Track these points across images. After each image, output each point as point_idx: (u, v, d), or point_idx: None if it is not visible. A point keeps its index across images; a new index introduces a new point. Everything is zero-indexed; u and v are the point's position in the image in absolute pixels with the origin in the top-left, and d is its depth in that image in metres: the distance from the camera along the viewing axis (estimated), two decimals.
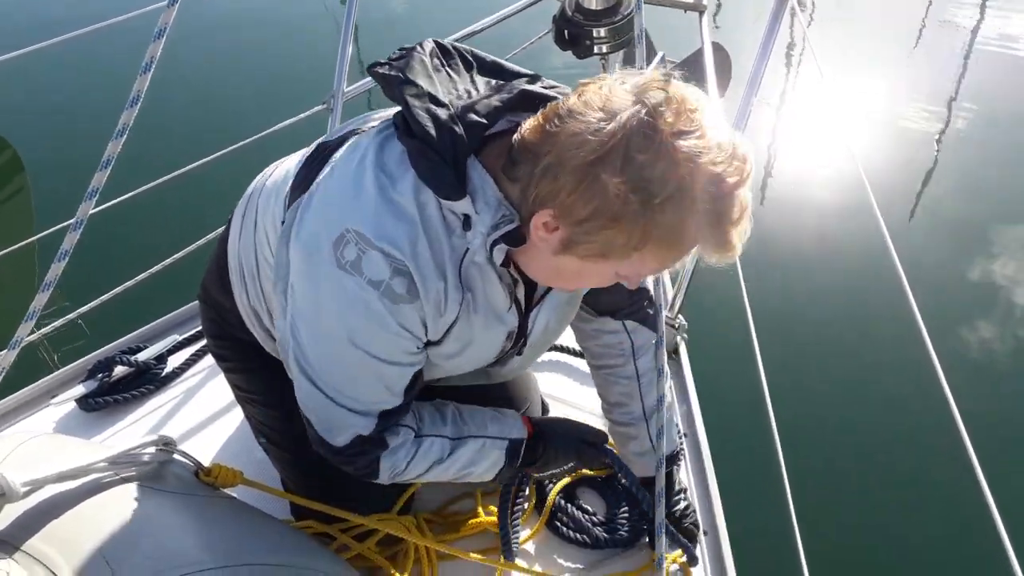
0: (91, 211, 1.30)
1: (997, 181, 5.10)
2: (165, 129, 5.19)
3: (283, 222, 1.19)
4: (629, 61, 3.41)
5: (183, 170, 2.47)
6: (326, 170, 1.13)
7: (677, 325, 2.10)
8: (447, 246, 1.07)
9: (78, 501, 1.04)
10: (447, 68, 1.12)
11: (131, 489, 1.10)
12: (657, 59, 3.41)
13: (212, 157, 2.51)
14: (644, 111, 0.93)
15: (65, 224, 2.27)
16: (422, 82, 1.06)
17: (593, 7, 2.58)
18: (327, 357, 1.15)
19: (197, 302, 2.17)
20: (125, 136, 1.26)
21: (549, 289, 1.27)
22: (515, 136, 1.03)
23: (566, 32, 2.64)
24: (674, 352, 2.09)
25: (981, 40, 7.09)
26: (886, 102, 6.01)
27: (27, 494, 0.99)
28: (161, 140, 4.84)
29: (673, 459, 1.61)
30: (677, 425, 1.85)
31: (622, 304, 1.50)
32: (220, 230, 1.77)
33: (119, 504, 1.06)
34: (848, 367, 3.72)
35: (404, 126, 1.06)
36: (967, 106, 5.99)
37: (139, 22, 2.32)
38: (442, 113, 1.03)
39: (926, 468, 3.18)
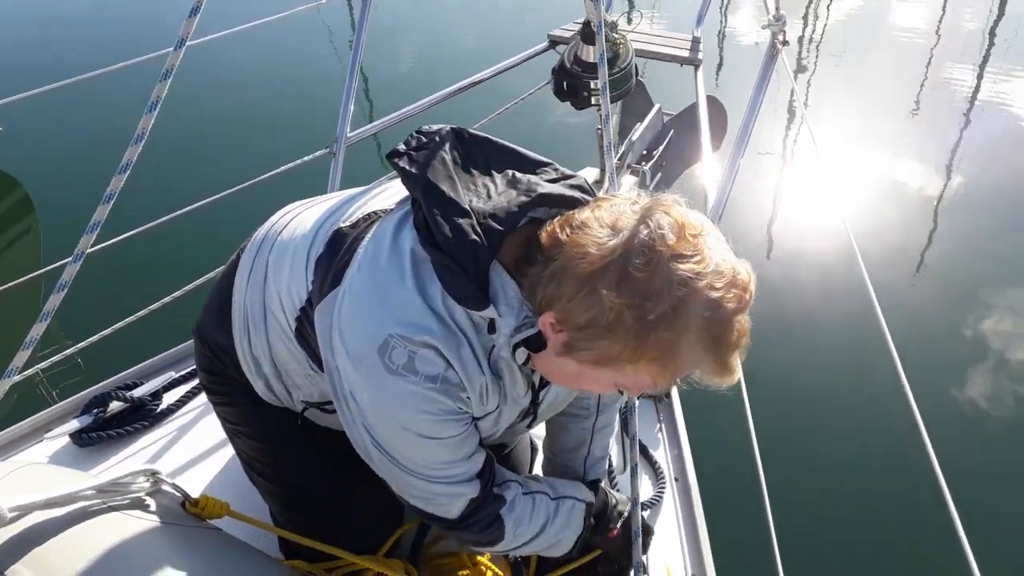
0: (90, 246, 1.33)
1: (996, 242, 5.12)
2: (168, 169, 5.29)
3: (304, 304, 1.23)
4: (627, 112, 3.50)
5: (184, 210, 2.53)
6: (353, 267, 1.14)
7: None
8: (478, 344, 1.12)
9: (64, 528, 1.05)
10: (466, 162, 1.15)
11: (117, 518, 1.11)
12: (653, 111, 3.50)
13: (214, 198, 2.57)
14: (646, 231, 0.98)
15: (67, 260, 2.32)
16: (444, 186, 1.09)
17: (591, 60, 2.65)
18: (412, 452, 1.17)
19: (192, 340, 2.22)
20: (128, 172, 1.30)
21: None
22: (537, 235, 1.07)
23: (564, 84, 2.72)
24: (666, 395, 2.10)
25: (981, 100, 7.17)
26: (885, 162, 6.06)
27: (14, 519, 1.00)
28: (164, 179, 4.94)
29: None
30: (662, 471, 1.91)
31: None
32: (220, 270, 1.80)
33: (105, 532, 1.07)
34: (838, 415, 3.73)
35: (426, 232, 1.08)
36: (966, 167, 6.05)
37: (151, 65, 2.41)
38: (464, 224, 1.06)
39: (905, 505, 3.21)
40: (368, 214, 1.23)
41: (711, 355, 0.99)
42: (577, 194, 1.14)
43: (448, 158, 1.13)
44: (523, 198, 1.11)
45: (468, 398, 1.14)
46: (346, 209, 1.28)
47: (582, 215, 1.04)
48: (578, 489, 1.46)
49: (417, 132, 1.18)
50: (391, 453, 1.17)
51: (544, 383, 1.29)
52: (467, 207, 1.08)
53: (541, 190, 1.12)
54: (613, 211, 1.03)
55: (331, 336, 1.14)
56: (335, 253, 1.19)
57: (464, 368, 1.10)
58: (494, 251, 1.07)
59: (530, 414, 1.32)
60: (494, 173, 1.16)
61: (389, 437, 1.16)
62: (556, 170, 1.19)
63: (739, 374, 1.02)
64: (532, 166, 1.19)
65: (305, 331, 1.26)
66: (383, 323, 1.07)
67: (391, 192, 1.27)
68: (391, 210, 1.20)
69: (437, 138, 1.15)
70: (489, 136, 1.19)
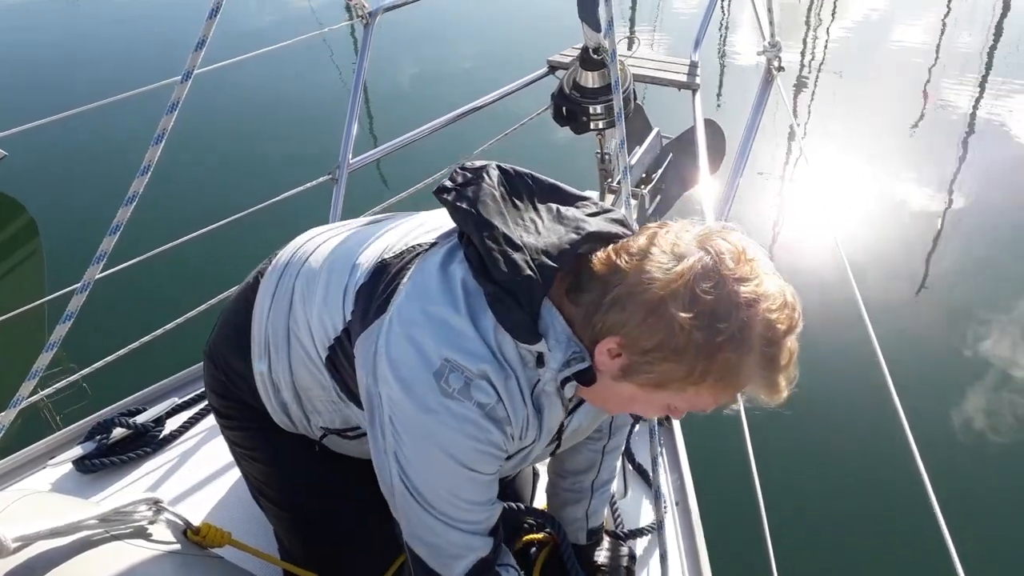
0: (97, 275, 1.35)
1: (996, 262, 5.10)
2: (171, 196, 5.33)
3: (339, 335, 1.22)
4: (628, 137, 3.52)
5: (187, 237, 2.55)
6: (400, 296, 1.15)
7: None
8: (523, 378, 1.13)
9: (67, 558, 1.06)
10: (512, 198, 1.18)
11: (120, 547, 1.11)
12: (652, 135, 3.53)
13: (216, 225, 2.59)
14: (708, 257, 1.02)
15: (72, 287, 2.34)
16: (496, 221, 1.11)
17: (590, 85, 2.67)
18: (439, 484, 1.15)
19: (196, 366, 2.23)
20: (134, 204, 1.33)
21: None
22: (588, 263, 1.10)
23: (564, 109, 2.73)
24: (666, 419, 2.10)
25: (980, 120, 7.18)
26: (885, 182, 6.07)
27: (17, 550, 1.01)
28: (166, 207, 4.97)
29: (596, 532, 1.69)
30: (664, 496, 1.88)
31: None
32: (225, 295, 1.83)
33: (107, 562, 1.08)
34: (837, 439, 3.72)
35: (480, 266, 1.10)
36: (966, 187, 6.03)
37: (157, 93, 2.44)
38: (519, 259, 1.08)
39: (901, 527, 3.20)
40: (412, 246, 1.23)
41: (765, 374, 1.03)
42: (619, 229, 1.17)
43: (496, 193, 1.15)
44: (573, 235, 1.13)
45: (511, 434, 1.14)
46: (386, 240, 1.28)
47: (638, 242, 1.08)
48: None
49: (461, 168, 1.19)
50: (418, 488, 1.14)
51: (571, 411, 1.29)
52: (520, 243, 1.10)
53: (589, 228, 1.15)
54: (670, 238, 1.07)
55: (375, 363, 1.13)
56: (378, 282, 1.20)
57: (511, 401, 1.11)
58: (547, 287, 1.09)
59: (554, 442, 1.32)
60: (539, 207, 1.19)
61: (424, 467, 1.13)
62: (595, 204, 1.22)
63: (787, 395, 1.06)
64: (572, 200, 1.22)
65: (338, 361, 1.25)
66: (438, 348, 1.08)
67: (431, 226, 1.28)
68: (435, 244, 1.22)
69: (484, 174, 1.18)
70: (531, 172, 1.22)
